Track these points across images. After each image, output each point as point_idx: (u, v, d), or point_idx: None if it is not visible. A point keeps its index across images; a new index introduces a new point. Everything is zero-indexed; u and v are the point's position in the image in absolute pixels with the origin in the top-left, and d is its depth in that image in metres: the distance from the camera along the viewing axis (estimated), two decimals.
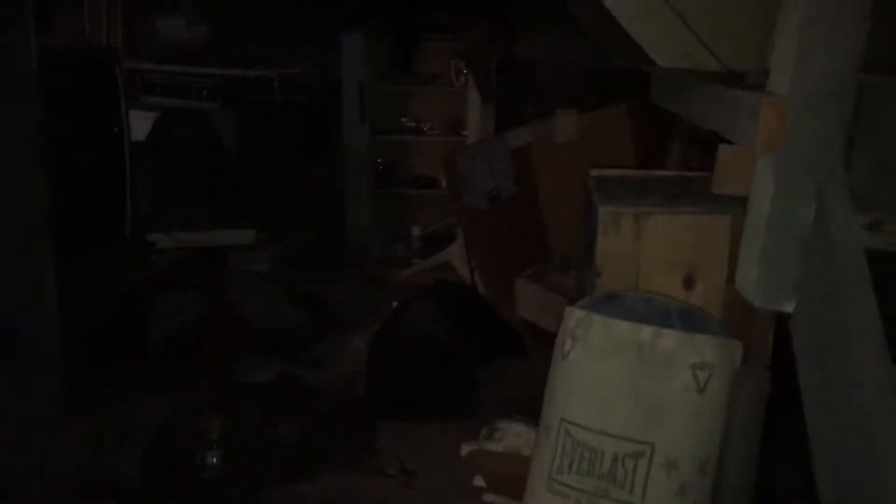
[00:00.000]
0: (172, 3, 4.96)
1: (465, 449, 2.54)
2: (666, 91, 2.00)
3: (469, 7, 4.87)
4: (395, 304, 3.57)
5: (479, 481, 2.51)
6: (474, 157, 3.82)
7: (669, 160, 3.16)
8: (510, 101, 4.75)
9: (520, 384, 3.21)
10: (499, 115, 4.77)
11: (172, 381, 3.06)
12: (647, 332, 1.45)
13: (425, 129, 5.25)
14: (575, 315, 1.56)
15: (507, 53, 4.82)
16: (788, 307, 1.24)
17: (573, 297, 1.86)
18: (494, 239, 3.94)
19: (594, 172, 2.08)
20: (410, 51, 5.23)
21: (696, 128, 2.73)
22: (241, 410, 2.81)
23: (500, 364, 3.52)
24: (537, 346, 3.49)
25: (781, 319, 1.34)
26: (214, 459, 2.43)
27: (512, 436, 2.43)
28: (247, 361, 3.35)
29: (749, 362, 1.49)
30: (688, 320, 1.49)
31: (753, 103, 1.23)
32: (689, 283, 1.55)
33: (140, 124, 4.06)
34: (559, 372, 1.58)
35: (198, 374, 3.05)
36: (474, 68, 4.88)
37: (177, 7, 4.96)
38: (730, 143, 1.35)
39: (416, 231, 5.11)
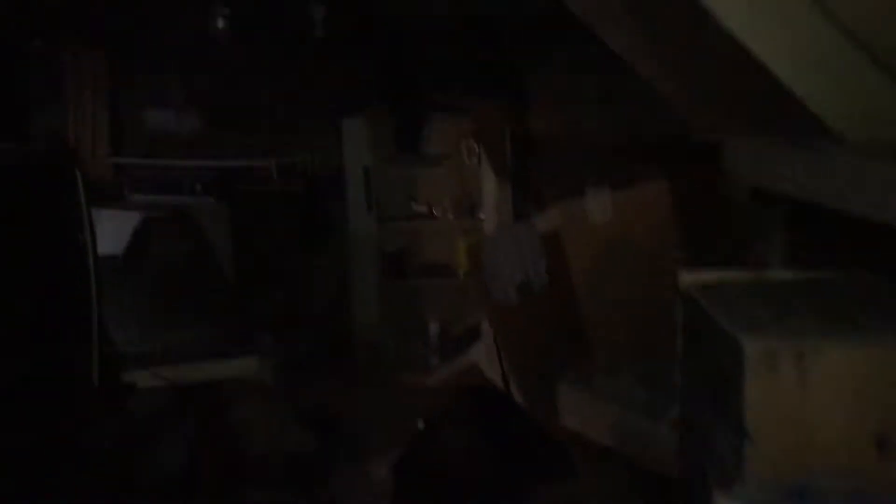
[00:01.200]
0: (161, 94, 4.64)
1: None
2: (765, 164, 1.59)
3: (476, 83, 4.57)
4: (421, 424, 3.08)
5: None
6: (499, 244, 3.40)
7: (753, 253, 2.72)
8: (528, 180, 4.39)
9: None
10: (516, 195, 4.40)
11: None
12: None
13: (437, 213, 4.85)
14: None
15: (521, 128, 4.49)
16: None
17: (682, 469, 1.35)
18: (527, 336, 3.49)
19: (688, 277, 1.62)
20: (416, 131, 4.89)
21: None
22: None
23: (546, 488, 3.03)
24: (584, 460, 3.03)
25: None
26: None
27: None
28: (249, 497, 2.85)
29: None
30: None
31: None
32: (882, 445, 1.08)
33: (126, 227, 3.68)
34: None
35: None
36: (486, 146, 4.52)
37: (166, 98, 4.63)
38: None
39: (433, 327, 4.64)
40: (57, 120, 4.54)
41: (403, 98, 4.69)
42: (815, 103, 1.42)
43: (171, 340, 2.22)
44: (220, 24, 3.69)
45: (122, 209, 3.89)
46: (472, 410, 3.19)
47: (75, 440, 1.58)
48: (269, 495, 2.89)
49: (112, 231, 3.50)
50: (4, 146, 2.35)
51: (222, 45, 3.89)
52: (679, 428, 1.69)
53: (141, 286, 2.83)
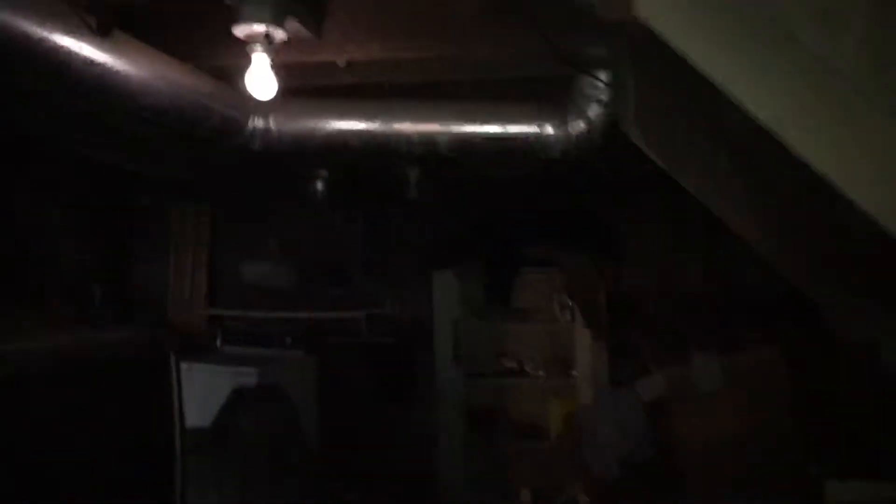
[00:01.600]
0: (258, 248, 4.76)
1: None
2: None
3: (569, 238, 4.50)
4: None
5: None
6: (599, 413, 3.21)
7: None
8: (626, 340, 4.20)
9: None
10: (613, 356, 4.20)
11: None
12: None
13: (528, 369, 4.67)
14: None
15: (616, 284, 4.36)
16: None
17: None
18: None
19: (837, 488, 1.41)
20: (507, 286, 4.81)
21: None
22: None
23: None
24: None
25: None
26: None
27: None
28: None
29: None
30: None
31: None
32: None
33: (215, 385, 3.65)
34: None
35: None
36: (580, 303, 4.39)
37: (263, 251, 4.75)
38: None
39: (525, 494, 4.35)
40: (158, 271, 4.71)
41: (494, 252, 4.66)
42: None
43: None
44: (319, 186, 3.80)
45: (214, 363, 3.89)
46: None
47: None
48: None
49: (201, 387, 3.49)
50: (109, 336, 2.38)
51: (319, 204, 3.99)
52: None
53: (226, 462, 2.74)
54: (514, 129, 2.64)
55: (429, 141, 2.62)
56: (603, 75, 2.44)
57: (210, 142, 2.34)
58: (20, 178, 3.79)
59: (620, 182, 4.04)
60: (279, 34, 1.95)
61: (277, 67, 2.00)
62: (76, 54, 1.77)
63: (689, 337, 3.72)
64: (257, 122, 2.63)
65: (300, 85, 2.48)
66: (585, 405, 3.45)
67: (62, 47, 1.73)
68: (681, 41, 1.25)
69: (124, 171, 3.96)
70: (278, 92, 2.04)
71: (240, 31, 1.93)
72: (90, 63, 1.81)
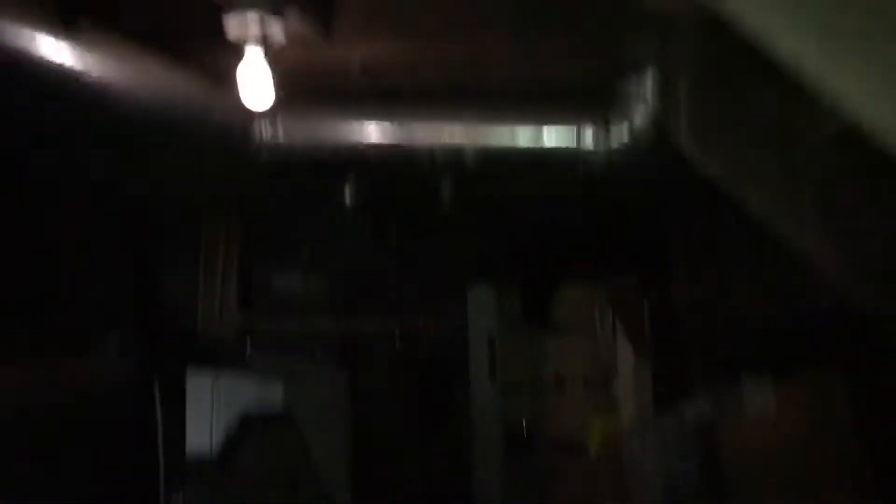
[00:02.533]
0: (290, 258, 4.67)
1: None
2: None
3: (612, 251, 4.32)
4: None
5: None
6: (643, 439, 3.02)
7: None
8: (670, 356, 3.99)
9: None
10: (657, 374, 4.00)
11: None
12: None
13: (567, 386, 4.49)
14: None
15: (662, 300, 4.16)
16: None
17: None
18: None
19: None
20: (545, 298, 4.64)
21: None
22: None
23: None
24: None
25: None
26: None
27: None
28: None
29: None
30: None
31: None
32: None
33: (242, 395, 3.57)
34: None
35: None
36: (623, 318, 4.20)
37: (295, 262, 4.65)
38: None
39: None
40: (188, 280, 4.64)
41: (532, 265, 4.50)
42: None
43: None
44: (348, 196, 3.68)
45: (241, 374, 3.80)
46: None
47: None
48: None
49: (227, 400, 3.39)
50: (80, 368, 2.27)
51: (348, 214, 3.88)
52: None
53: (228, 495, 2.61)
54: (550, 139, 2.46)
55: (454, 153, 2.44)
56: (651, 78, 2.25)
57: (209, 153, 2.19)
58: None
59: (669, 193, 3.85)
60: (275, 29, 1.70)
61: (281, 70, 1.77)
62: (34, 49, 1.44)
63: (739, 358, 3.50)
64: (263, 131, 2.46)
65: (312, 89, 2.31)
66: (630, 429, 3.26)
67: (15, 41, 1.40)
68: (761, 23, 1.01)
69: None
70: (285, 97, 1.85)
71: (231, 22, 1.68)
72: (51, 60, 1.48)
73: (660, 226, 4.18)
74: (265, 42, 1.68)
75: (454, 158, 2.48)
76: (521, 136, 2.45)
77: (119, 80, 1.73)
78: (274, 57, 1.74)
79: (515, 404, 4.49)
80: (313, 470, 2.95)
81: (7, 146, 2.67)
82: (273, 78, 1.78)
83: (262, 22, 1.64)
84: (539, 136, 2.47)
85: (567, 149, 2.51)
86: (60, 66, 1.58)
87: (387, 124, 2.54)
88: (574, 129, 2.48)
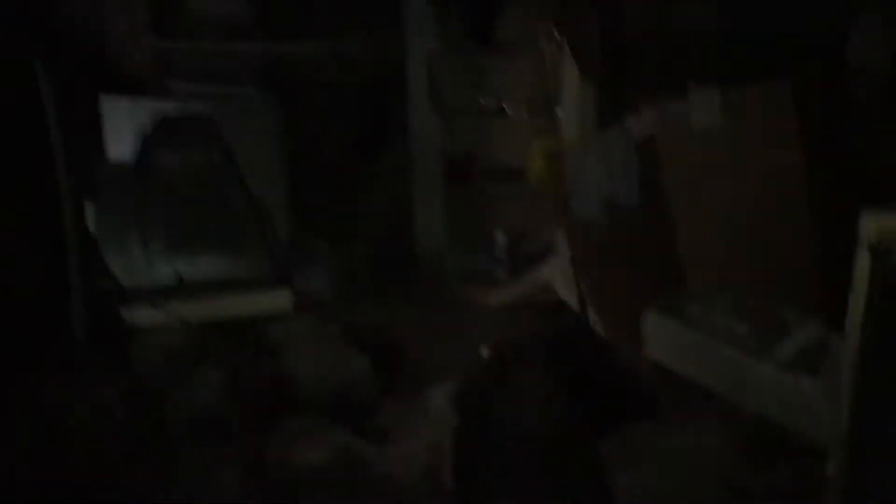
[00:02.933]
0: None
1: None
2: None
3: None
4: (484, 351, 2.74)
5: None
6: (586, 154, 2.93)
7: None
8: (617, 76, 3.83)
9: (654, 463, 2.38)
10: (602, 93, 3.86)
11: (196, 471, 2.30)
12: None
13: (509, 110, 4.35)
14: None
15: (612, 20, 3.90)
16: None
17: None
18: (611, 259, 3.06)
19: (876, 221, 1.14)
20: (489, 17, 4.34)
21: None
22: None
23: (626, 431, 2.67)
24: (669, 397, 2.67)
25: None
26: None
27: None
28: (294, 433, 2.57)
29: None
30: None
31: None
32: None
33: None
34: None
35: (227, 461, 2.29)
36: (570, 36, 3.95)
37: None
38: None
39: (500, 237, 4.24)
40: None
41: None
42: None
43: (186, 265, 1.88)
44: None
45: (161, 99, 3.52)
46: (544, 339, 2.82)
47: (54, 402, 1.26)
48: (316, 429, 2.61)
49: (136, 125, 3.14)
50: None
51: None
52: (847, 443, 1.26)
53: (149, 203, 2.44)
54: None
55: None
56: None
57: None
58: None
59: None
60: None
61: None
62: None
63: (687, 73, 3.35)
64: None
65: None
66: (571, 145, 3.18)
67: None
68: None
69: None
70: None
71: None
72: None
73: None
74: None
75: None
76: None
77: None
78: None
79: (456, 129, 4.36)
80: (243, 181, 2.80)
81: None
82: None
83: None
84: None
85: None
86: None
87: None
88: None
